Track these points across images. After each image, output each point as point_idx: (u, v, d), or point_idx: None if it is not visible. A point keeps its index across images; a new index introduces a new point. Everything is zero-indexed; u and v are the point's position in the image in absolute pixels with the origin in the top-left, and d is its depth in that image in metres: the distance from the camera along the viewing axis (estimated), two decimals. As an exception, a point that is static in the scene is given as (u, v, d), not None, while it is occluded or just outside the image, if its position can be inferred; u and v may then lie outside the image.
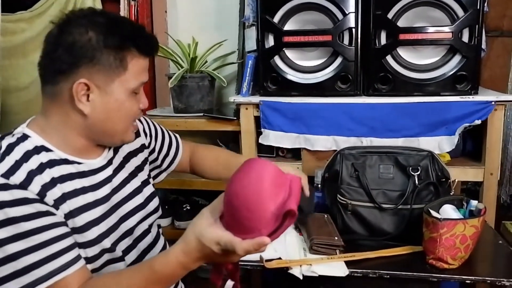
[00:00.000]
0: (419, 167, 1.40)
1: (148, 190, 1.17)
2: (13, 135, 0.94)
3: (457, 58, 1.71)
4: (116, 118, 0.96)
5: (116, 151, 1.10)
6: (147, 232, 1.13)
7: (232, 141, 2.19)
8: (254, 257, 1.18)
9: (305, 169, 1.88)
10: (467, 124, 1.68)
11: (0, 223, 0.83)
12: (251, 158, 0.85)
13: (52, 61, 0.93)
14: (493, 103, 1.67)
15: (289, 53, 1.86)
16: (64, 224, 0.91)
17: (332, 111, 1.78)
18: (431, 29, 1.70)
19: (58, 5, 2.15)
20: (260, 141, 1.87)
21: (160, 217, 1.21)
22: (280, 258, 1.24)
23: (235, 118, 1.97)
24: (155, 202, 1.18)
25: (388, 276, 1.18)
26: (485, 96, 1.70)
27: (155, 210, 1.17)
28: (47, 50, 0.94)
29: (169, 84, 2.07)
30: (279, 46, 1.83)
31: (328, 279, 1.16)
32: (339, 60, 1.80)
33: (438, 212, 1.25)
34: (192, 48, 2.19)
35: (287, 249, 1.28)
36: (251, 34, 2.02)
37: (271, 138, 1.85)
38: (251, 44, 2.05)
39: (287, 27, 1.82)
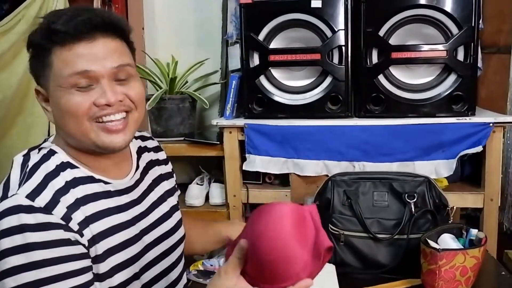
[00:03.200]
0: (415, 194, 1.42)
1: (177, 216, 1.17)
2: (40, 150, 0.96)
3: (452, 78, 1.76)
4: (63, 119, 0.93)
5: (145, 172, 1.11)
6: (175, 264, 1.12)
7: (215, 167, 2.19)
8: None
9: (294, 196, 1.89)
10: (468, 151, 1.71)
11: (17, 249, 0.83)
12: (263, 206, 0.84)
13: None
14: (491, 124, 1.71)
15: (276, 73, 1.88)
16: (85, 256, 0.90)
17: (322, 133, 1.80)
18: (424, 47, 1.74)
19: (25, 22, 2.16)
20: (244, 167, 1.88)
21: None
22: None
23: (218, 142, 1.98)
24: (182, 230, 1.18)
25: (385, 313, 1.19)
26: (482, 117, 1.74)
27: (182, 239, 1.17)
28: None
29: (147, 107, 2.07)
30: (265, 65, 1.86)
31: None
32: (328, 79, 1.83)
33: (436, 242, 1.27)
34: (172, 68, 2.21)
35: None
36: (235, 53, 2.05)
37: (257, 163, 1.86)
38: (234, 63, 2.07)
39: (273, 45, 1.85)
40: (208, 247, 1.34)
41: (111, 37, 0.93)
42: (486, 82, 2.31)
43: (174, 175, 1.25)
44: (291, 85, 1.88)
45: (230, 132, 1.91)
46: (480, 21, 1.77)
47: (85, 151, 0.97)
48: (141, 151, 1.14)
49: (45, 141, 1.01)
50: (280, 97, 1.87)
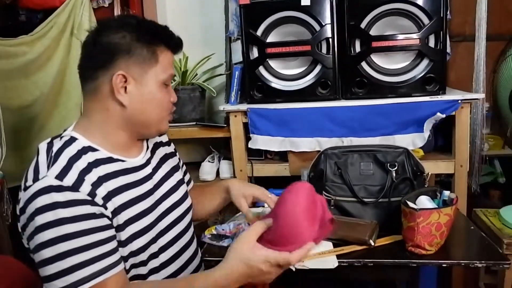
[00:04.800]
0: (396, 163, 1.41)
1: (183, 189, 1.17)
2: (61, 138, 0.95)
3: (425, 62, 1.73)
4: (150, 109, 0.97)
5: (153, 152, 1.11)
6: (185, 230, 1.12)
7: (223, 147, 2.18)
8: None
9: (292, 169, 1.88)
10: (434, 120, 1.70)
11: (51, 223, 0.84)
12: (290, 186, 0.95)
13: (91, 60, 0.96)
14: (459, 101, 1.69)
15: (273, 63, 1.86)
16: (109, 227, 0.90)
17: (314, 114, 1.79)
18: (400, 37, 1.71)
19: (56, 28, 2.13)
20: (249, 145, 1.87)
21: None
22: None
23: (225, 125, 1.97)
24: (189, 201, 1.18)
25: (372, 264, 1.18)
26: (452, 95, 1.72)
27: (189, 209, 1.17)
28: (85, 53, 0.97)
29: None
30: (263, 57, 1.84)
31: (319, 270, 1.16)
32: (318, 67, 1.81)
33: (414, 203, 1.26)
34: (183, 62, 2.19)
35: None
36: (237, 47, 2.03)
37: (259, 142, 1.85)
38: (237, 56, 2.05)
39: (270, 39, 1.83)
40: (218, 202, 1.29)
41: None
42: (455, 66, 2.29)
43: (177, 153, 1.25)
44: (286, 73, 1.86)
45: (235, 116, 1.89)
46: (448, 13, 1.73)
47: (126, 132, 0.99)
48: None
49: (64, 130, 0.99)
50: (277, 84, 1.85)
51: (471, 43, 2.09)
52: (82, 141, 0.95)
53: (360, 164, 1.46)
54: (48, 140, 0.96)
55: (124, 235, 0.93)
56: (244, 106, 1.87)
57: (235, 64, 2.07)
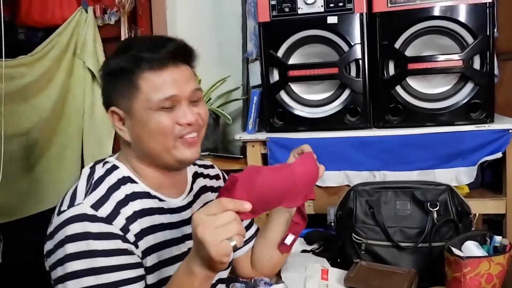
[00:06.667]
0: (437, 202, 1.38)
1: None
2: (104, 164, 1.01)
3: (469, 86, 1.72)
4: (147, 138, 0.97)
5: (197, 196, 1.12)
6: (216, 283, 1.10)
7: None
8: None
9: (316, 206, 1.86)
10: (488, 158, 1.67)
11: (82, 254, 0.87)
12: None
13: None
14: (510, 131, 1.66)
15: (295, 87, 1.87)
16: (139, 265, 0.93)
17: (342, 145, 1.79)
18: (440, 57, 1.71)
19: (58, 48, 2.20)
20: (269, 179, 1.86)
21: None
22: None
23: (241, 156, 1.97)
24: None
25: (411, 322, 1.15)
26: (501, 124, 1.69)
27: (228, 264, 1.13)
28: None
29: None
30: (284, 80, 1.85)
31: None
32: (347, 92, 1.82)
33: (460, 250, 1.23)
34: (195, 86, 2.22)
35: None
36: (255, 69, 2.06)
37: (280, 175, 1.84)
38: (255, 79, 2.08)
39: (292, 60, 1.85)
40: (279, 230, 1.27)
41: (187, 64, 1.01)
42: (502, 89, 2.25)
43: None
44: (311, 98, 1.87)
45: (253, 146, 1.90)
46: (495, 30, 1.73)
47: (154, 167, 1.01)
48: (196, 176, 1.16)
49: (110, 156, 1.05)
50: (300, 110, 1.86)
51: (521, 62, 2.08)
52: (123, 171, 1.00)
53: (395, 203, 1.44)
54: (91, 164, 1.02)
55: (152, 279, 0.96)
56: (263, 135, 1.88)
57: (253, 88, 2.10)
